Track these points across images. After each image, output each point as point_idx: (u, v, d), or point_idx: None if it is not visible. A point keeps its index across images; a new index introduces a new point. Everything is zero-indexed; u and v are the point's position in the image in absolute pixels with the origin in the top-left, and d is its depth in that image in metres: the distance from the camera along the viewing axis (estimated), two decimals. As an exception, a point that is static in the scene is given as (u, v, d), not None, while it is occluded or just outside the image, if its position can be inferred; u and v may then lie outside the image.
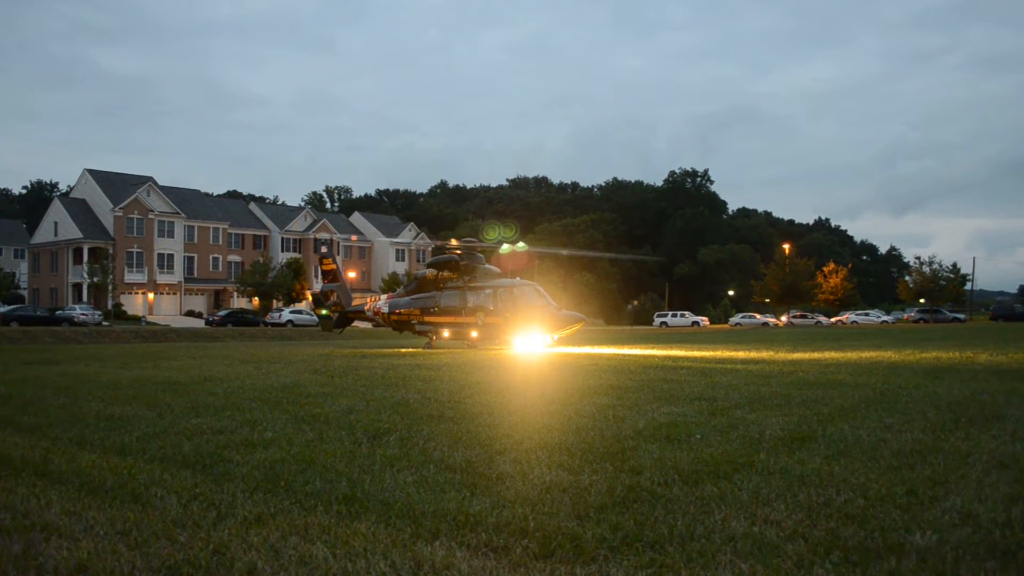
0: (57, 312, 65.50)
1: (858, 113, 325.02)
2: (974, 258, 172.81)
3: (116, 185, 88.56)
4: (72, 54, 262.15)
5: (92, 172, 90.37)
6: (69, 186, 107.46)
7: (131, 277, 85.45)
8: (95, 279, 75.95)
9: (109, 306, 75.16)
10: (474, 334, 29.77)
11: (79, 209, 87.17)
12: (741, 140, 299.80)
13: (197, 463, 6.27)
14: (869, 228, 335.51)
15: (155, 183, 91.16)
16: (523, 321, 28.63)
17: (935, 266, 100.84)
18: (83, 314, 63.45)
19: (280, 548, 4.08)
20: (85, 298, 79.86)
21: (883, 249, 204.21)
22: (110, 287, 76.38)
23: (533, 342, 27.96)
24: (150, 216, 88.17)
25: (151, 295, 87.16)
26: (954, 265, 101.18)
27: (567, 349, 26.48)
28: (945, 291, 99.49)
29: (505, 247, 32.76)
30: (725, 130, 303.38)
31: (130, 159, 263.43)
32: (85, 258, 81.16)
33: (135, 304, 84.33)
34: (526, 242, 35.10)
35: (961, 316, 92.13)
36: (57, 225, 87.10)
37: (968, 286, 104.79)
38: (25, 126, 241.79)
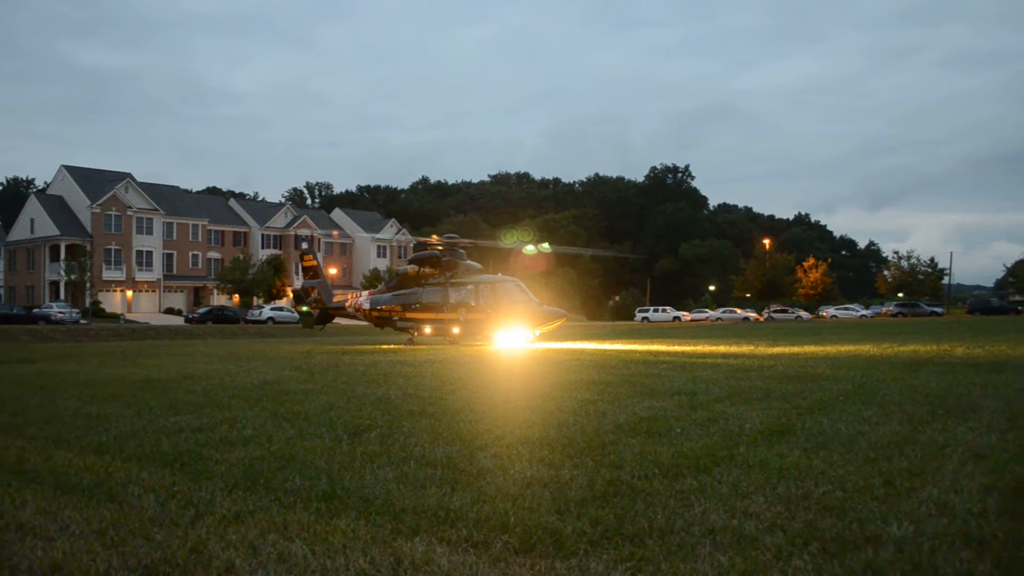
0: (34, 310, 64.96)
1: (836, 109, 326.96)
2: (951, 253, 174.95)
3: (93, 181, 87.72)
4: (47, 48, 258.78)
5: (69, 168, 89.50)
6: (46, 182, 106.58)
7: (109, 274, 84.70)
8: (72, 277, 75.19)
9: (87, 304, 74.48)
10: (456, 330, 29.74)
11: (56, 206, 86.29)
12: (720, 136, 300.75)
13: (175, 461, 6.23)
14: (847, 223, 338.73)
15: (133, 179, 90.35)
16: (505, 317, 28.63)
17: (913, 261, 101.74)
18: (60, 312, 62.86)
19: (258, 546, 4.06)
20: (63, 296, 79.08)
21: (862, 244, 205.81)
22: (88, 285, 75.65)
23: (515, 338, 27.98)
24: (128, 213, 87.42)
25: (130, 293, 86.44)
26: (932, 260, 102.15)
27: (549, 345, 26.51)
28: (923, 285, 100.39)
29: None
30: (704, 126, 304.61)
31: (108, 155, 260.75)
32: (62, 255, 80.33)
33: (113, 302, 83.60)
34: (506, 239, 35.19)
35: (939, 310, 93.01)
36: (33, 222, 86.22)
37: (945, 280, 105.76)
38: (0, 121, 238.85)
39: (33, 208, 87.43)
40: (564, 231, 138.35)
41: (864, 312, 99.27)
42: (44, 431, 7.89)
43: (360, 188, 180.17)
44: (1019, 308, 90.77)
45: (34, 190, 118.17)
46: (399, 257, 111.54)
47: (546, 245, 33.27)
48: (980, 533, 4.04)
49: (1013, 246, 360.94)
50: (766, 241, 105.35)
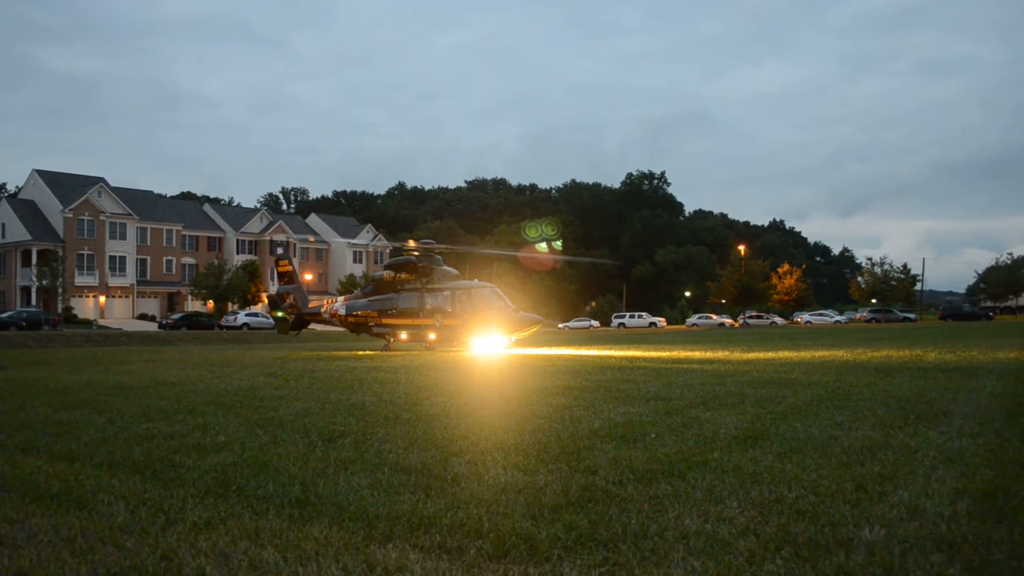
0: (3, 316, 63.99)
1: (809, 116, 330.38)
2: (923, 259, 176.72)
3: (66, 186, 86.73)
4: (17, 53, 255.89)
5: (41, 173, 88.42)
6: (17, 187, 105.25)
7: (82, 280, 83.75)
8: (44, 282, 74.23)
9: (59, 310, 73.57)
10: (432, 336, 29.68)
11: (27, 211, 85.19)
12: (693, 142, 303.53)
13: (147, 468, 6.16)
14: (820, 229, 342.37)
15: (106, 184, 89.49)
16: (481, 323, 28.60)
17: (886, 267, 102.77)
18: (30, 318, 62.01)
19: (230, 553, 4.02)
20: (34, 302, 78.10)
21: (836, 250, 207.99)
22: (60, 290, 74.72)
23: (491, 344, 27.94)
24: (101, 218, 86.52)
25: (103, 298, 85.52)
26: (904, 266, 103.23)
27: (525, 350, 26.50)
28: (896, 291, 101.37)
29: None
30: (677, 133, 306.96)
31: (80, 160, 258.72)
32: (34, 261, 79.34)
33: (86, 308, 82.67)
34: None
35: (911, 316, 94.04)
36: (4, 227, 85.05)
37: (918, 286, 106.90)
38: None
39: (4, 213, 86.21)
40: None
41: (838, 318, 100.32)
42: (13, 438, 7.77)
43: (336, 194, 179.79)
44: (990, 314, 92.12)
45: (5, 195, 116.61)
46: (375, 263, 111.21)
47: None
48: (951, 537, 4.07)
49: (984, 252, 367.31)
50: (741, 247, 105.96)
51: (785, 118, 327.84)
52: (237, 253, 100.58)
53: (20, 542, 4.28)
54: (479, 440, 7.08)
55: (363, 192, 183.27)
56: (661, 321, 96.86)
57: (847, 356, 19.23)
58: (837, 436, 7.06)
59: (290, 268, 38.15)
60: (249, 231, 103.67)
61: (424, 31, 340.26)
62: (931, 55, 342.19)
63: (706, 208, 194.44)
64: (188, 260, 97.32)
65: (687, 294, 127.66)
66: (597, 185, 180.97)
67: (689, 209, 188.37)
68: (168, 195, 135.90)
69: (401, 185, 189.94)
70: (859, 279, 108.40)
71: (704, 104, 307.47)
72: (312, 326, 40.61)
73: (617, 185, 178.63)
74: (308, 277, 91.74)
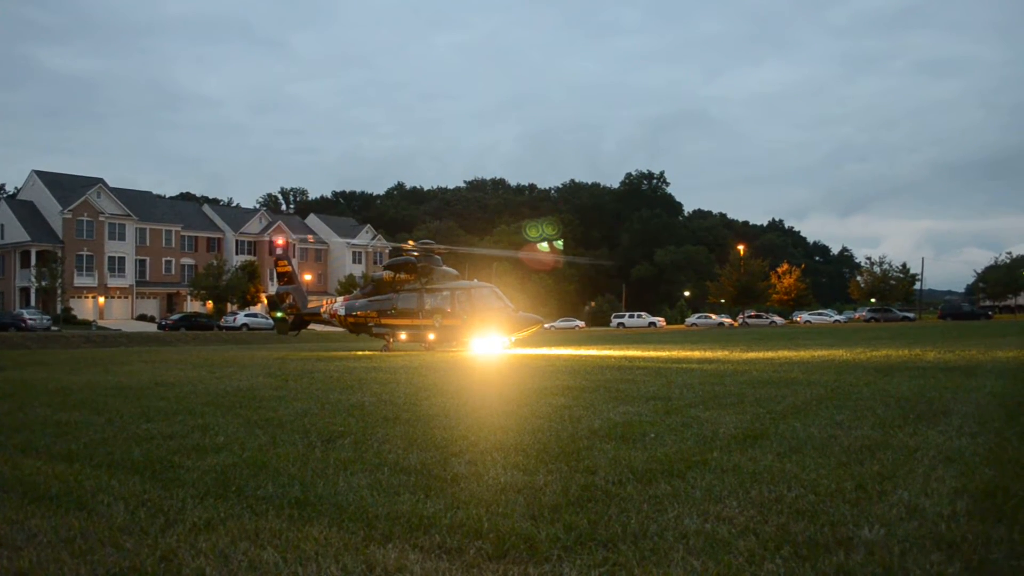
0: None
1: (808, 116, 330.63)
2: (923, 258, 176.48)
3: (65, 187, 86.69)
4: (17, 53, 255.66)
5: (40, 173, 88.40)
6: (16, 188, 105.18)
7: (81, 281, 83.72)
8: (43, 283, 74.16)
9: (58, 311, 73.53)
10: (431, 336, 29.68)
11: (26, 211, 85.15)
12: (693, 142, 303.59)
13: (146, 469, 6.15)
14: (820, 229, 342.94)
15: (105, 185, 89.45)
16: (481, 323, 28.60)
17: (885, 266, 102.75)
18: (31, 319, 62.02)
19: (229, 554, 4.01)
20: (33, 303, 78.03)
21: (835, 250, 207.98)
22: (59, 291, 74.66)
23: (491, 344, 27.94)
24: (100, 218, 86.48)
25: (102, 299, 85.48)
26: (904, 265, 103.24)
27: (524, 351, 26.50)
28: (895, 291, 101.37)
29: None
30: (677, 133, 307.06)
31: (80, 160, 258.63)
32: (33, 262, 79.32)
33: (85, 308, 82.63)
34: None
35: (911, 315, 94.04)
36: (3, 228, 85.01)
37: (917, 286, 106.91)
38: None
39: (3, 214, 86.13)
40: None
41: (837, 317, 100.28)
42: (12, 439, 7.77)
43: (335, 194, 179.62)
44: (990, 313, 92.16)
45: (4, 195, 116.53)
46: (375, 263, 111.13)
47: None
48: (950, 536, 4.07)
49: (984, 252, 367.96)
50: (740, 247, 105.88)
51: (784, 118, 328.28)
52: (236, 254, 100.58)
53: (20, 543, 4.28)
54: (479, 440, 7.08)
55: (362, 192, 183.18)
56: (660, 321, 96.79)
57: (846, 355, 19.24)
58: (837, 435, 7.05)
59: (289, 268, 38.14)
60: (248, 231, 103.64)
61: (424, 31, 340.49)
62: (931, 55, 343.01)
63: (705, 208, 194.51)
64: (187, 261, 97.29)
65: (686, 294, 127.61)
66: (596, 185, 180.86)
67: (688, 209, 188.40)
68: (167, 195, 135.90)
69: (400, 185, 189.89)
70: (858, 278, 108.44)
71: (703, 104, 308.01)
72: (312, 326, 40.62)
73: (616, 185, 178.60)
74: (307, 277, 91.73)
